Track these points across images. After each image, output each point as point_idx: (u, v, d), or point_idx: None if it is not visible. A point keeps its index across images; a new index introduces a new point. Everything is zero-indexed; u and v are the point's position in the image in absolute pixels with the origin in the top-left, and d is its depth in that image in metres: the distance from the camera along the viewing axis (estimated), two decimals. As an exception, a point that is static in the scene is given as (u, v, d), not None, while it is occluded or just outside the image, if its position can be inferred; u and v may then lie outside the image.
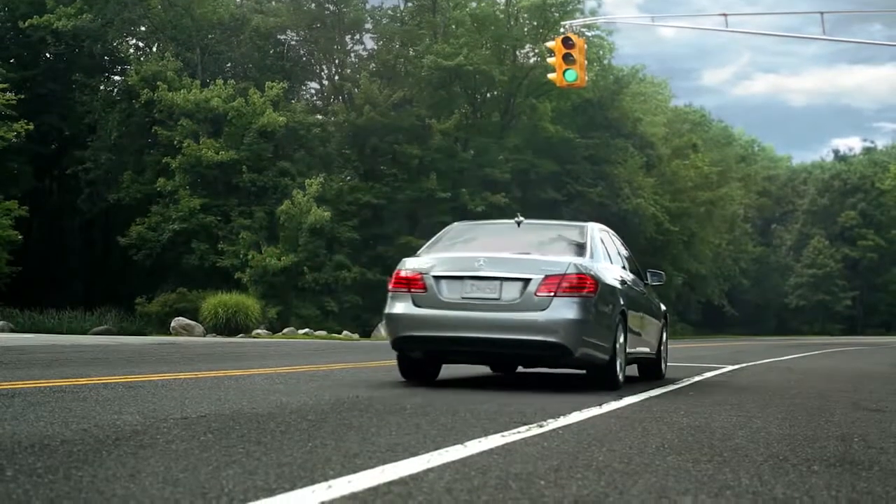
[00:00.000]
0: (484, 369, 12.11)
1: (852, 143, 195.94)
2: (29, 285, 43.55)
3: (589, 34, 47.42)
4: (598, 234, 10.85)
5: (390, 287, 9.95)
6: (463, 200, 47.64)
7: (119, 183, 45.88)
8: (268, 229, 42.72)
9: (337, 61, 55.09)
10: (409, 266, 9.85)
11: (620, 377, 9.97)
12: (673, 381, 11.64)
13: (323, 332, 39.03)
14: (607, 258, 10.58)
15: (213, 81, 45.23)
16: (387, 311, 10.04)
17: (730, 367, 16.78)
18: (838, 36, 37.45)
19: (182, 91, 43.39)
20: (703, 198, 62.68)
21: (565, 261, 9.53)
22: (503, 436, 5.47)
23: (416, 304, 9.51)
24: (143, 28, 51.22)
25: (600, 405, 7.76)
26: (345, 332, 39.79)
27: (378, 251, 47.58)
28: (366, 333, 43.19)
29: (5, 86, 41.67)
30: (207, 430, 5.27)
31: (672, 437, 5.79)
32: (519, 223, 10.95)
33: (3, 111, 41.37)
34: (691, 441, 5.62)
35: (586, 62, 26.72)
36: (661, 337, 12.77)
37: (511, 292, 9.25)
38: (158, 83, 43.63)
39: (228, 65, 51.26)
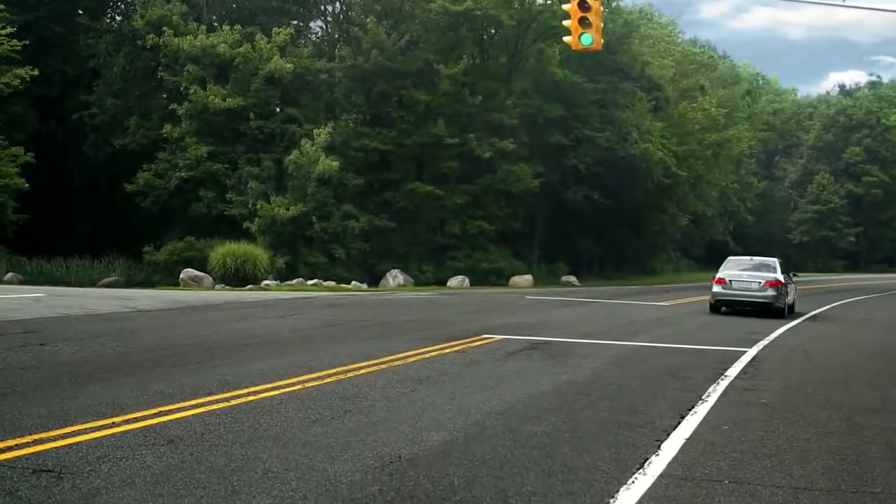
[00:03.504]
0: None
1: (851, 77, 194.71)
2: (35, 230, 43.46)
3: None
4: (778, 262, 29.35)
5: (714, 281, 28.44)
6: (471, 146, 47.36)
7: (125, 128, 45.61)
8: (276, 179, 42.52)
9: (341, -2, 54.58)
10: (720, 275, 28.34)
11: (786, 313, 27.60)
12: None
13: (332, 283, 39.11)
14: (784, 272, 28.62)
15: (220, 26, 44.73)
16: (713, 290, 28.21)
17: (749, 356, 16.75)
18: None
19: (188, 37, 42.94)
20: (711, 140, 62.23)
21: (772, 275, 27.89)
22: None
23: (723, 289, 28.00)
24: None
25: (643, 466, 7.77)
26: (353, 283, 39.86)
27: (385, 196, 47.42)
28: (374, 280, 43.27)
29: (10, 30, 41.25)
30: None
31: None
32: (751, 258, 31.00)
33: (7, 54, 41.01)
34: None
35: (601, 24, 26.29)
36: (794, 296, 30.31)
37: (755, 286, 27.55)
38: (164, 28, 43.17)
39: (234, 5, 50.60)
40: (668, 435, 9.23)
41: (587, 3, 25.09)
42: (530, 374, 13.38)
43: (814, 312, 31.03)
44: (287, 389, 11.19)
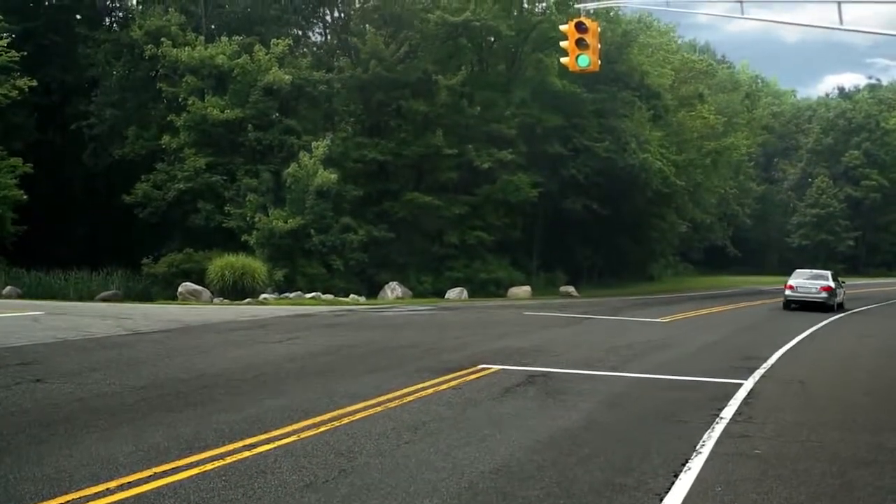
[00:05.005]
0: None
1: (847, 79, 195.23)
2: (33, 240, 43.55)
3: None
4: (830, 273, 44.07)
5: (786, 287, 41.96)
6: (469, 156, 47.51)
7: (123, 138, 45.72)
8: (274, 191, 42.63)
9: (340, 4, 54.57)
10: (790, 282, 41.81)
11: (835, 308, 40.79)
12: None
13: (330, 297, 39.19)
14: (834, 280, 42.85)
15: (218, 37, 44.83)
16: (785, 293, 41.61)
17: (745, 390, 16.77)
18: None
19: (187, 48, 43.03)
20: (709, 147, 62.29)
21: (825, 282, 41.76)
22: None
23: (792, 292, 41.25)
24: (145, -23, 50.63)
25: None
26: (352, 296, 39.94)
27: (383, 206, 47.50)
28: (373, 291, 43.37)
29: (8, 39, 41.32)
30: None
31: None
32: (811, 270, 45.85)
33: (5, 64, 41.08)
34: None
35: (599, 45, 26.37)
36: (843, 296, 43.80)
37: (813, 290, 41.01)
38: (163, 39, 43.26)
39: (233, 15, 50.66)
40: (662, 500, 9.24)
41: (584, 24, 25.29)
42: (526, 419, 13.39)
43: (814, 327, 30.94)
44: (282, 442, 11.20)
